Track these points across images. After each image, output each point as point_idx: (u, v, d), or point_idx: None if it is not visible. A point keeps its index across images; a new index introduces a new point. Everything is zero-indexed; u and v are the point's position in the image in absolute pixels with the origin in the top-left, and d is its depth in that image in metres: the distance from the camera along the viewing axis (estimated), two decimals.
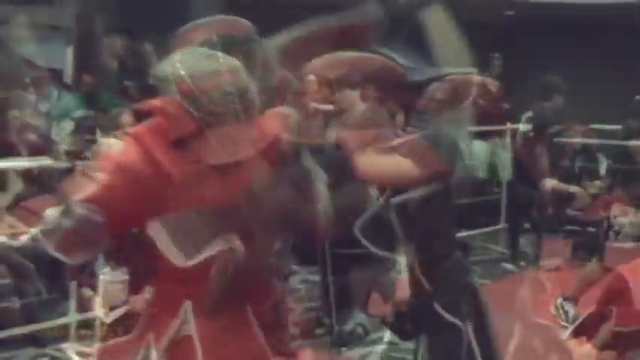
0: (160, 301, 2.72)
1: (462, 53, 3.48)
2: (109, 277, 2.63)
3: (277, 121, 2.83)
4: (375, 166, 3.44)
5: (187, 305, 2.67)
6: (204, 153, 2.63)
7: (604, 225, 8.51)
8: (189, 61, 2.69)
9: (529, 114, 8.92)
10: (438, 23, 3.50)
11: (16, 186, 6.52)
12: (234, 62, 2.72)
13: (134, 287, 2.82)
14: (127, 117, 6.65)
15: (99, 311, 5.55)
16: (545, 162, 8.65)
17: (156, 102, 2.69)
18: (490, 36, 10.98)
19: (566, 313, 5.97)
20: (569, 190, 10.05)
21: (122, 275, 2.66)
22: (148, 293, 2.73)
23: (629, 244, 9.17)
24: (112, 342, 2.76)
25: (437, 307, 3.46)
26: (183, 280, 2.65)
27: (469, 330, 3.44)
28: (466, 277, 3.62)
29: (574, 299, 6.00)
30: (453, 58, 3.47)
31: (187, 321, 2.66)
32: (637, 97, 11.10)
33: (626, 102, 10.94)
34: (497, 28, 12.44)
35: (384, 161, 3.45)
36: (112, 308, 2.71)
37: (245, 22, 3.17)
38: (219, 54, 2.72)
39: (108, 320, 2.74)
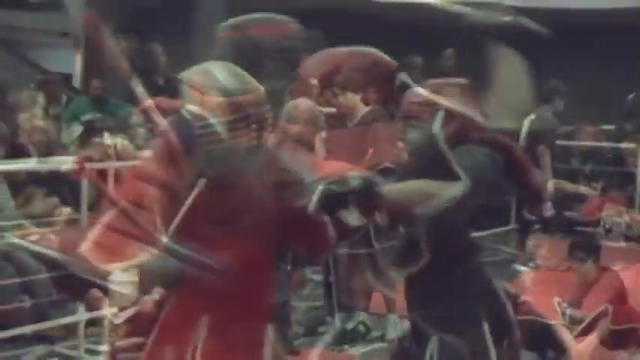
0: (180, 313, 2.70)
1: (525, 100, 3.37)
2: (119, 278, 2.59)
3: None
4: (402, 195, 3.16)
5: (204, 319, 2.67)
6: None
7: (600, 225, 8.51)
8: (221, 73, 2.68)
9: (532, 116, 8.89)
10: (510, 67, 3.39)
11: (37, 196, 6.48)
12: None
13: (144, 288, 2.80)
14: (137, 117, 6.64)
15: (108, 311, 5.55)
16: (547, 163, 8.62)
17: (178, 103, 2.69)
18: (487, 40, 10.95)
19: (563, 313, 5.95)
20: (579, 191, 10.02)
21: (132, 276, 2.63)
22: (157, 294, 2.71)
23: (621, 244, 9.17)
24: (123, 343, 2.73)
25: (453, 311, 3.32)
26: (202, 294, 2.64)
27: (486, 331, 3.36)
28: (484, 277, 3.48)
29: (577, 303, 5.94)
30: (514, 102, 3.35)
31: (201, 334, 2.66)
32: (630, 96, 11.08)
33: (620, 103, 10.92)
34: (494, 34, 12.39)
35: (409, 188, 3.20)
36: (121, 309, 2.68)
37: (292, 25, 3.11)
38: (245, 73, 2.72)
39: (117, 321, 2.71)
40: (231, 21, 3.08)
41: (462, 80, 3.31)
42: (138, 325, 2.64)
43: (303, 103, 5.23)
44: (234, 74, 2.68)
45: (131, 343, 2.67)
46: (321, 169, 2.79)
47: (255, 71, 2.76)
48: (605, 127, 11.17)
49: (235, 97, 2.62)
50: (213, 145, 2.59)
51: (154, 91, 2.74)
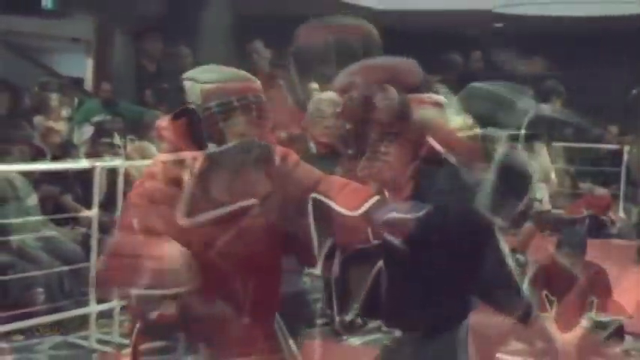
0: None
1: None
2: None
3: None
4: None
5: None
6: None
7: (585, 222, 8.51)
8: (217, 68, 2.80)
9: (530, 115, 8.94)
10: None
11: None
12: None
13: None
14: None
15: (117, 304, 5.59)
16: (545, 160, 8.65)
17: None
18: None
19: (550, 304, 6.00)
20: (596, 191, 10.02)
21: None
22: (180, 297, 2.66)
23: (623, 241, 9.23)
24: (145, 346, 2.73)
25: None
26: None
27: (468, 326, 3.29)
28: None
29: (602, 306, 5.90)
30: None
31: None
32: (634, 91, 11.08)
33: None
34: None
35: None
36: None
37: (367, 28, 3.08)
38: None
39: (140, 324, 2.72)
40: (310, 22, 3.08)
41: (441, 98, 3.23)
42: (160, 328, 2.63)
43: (329, 96, 5.00)
44: (231, 69, 2.79)
45: (153, 347, 2.68)
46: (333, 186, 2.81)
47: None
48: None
49: (232, 83, 2.70)
50: (219, 126, 2.67)
51: (179, 94, 2.81)
